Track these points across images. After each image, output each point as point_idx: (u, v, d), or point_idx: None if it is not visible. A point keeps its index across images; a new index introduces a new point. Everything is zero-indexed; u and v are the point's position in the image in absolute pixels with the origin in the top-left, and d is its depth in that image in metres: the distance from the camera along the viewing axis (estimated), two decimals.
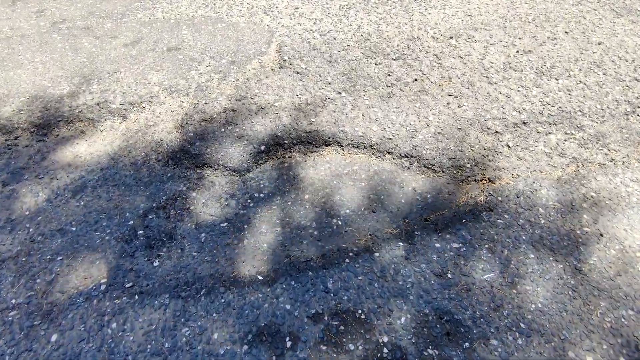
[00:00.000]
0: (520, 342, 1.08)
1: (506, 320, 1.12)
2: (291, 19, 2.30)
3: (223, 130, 1.63)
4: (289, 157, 1.59)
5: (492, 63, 2.01)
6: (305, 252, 1.27)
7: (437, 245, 1.30)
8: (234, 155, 1.55)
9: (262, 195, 1.45)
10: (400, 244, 1.30)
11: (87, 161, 1.56)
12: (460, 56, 2.05)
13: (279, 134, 1.62)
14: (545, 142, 1.66)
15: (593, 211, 1.40)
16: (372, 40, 2.16)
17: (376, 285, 1.18)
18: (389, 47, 2.11)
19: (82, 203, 1.41)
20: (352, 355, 1.04)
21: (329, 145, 1.62)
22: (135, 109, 1.76)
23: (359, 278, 1.20)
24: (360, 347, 1.05)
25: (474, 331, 1.09)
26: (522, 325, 1.11)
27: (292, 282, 1.18)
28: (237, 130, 1.64)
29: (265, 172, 1.52)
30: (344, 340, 1.07)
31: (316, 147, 1.62)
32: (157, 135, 1.64)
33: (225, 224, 1.35)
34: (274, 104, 1.75)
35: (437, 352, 1.05)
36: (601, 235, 1.33)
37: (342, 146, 1.62)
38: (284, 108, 1.73)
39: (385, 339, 1.07)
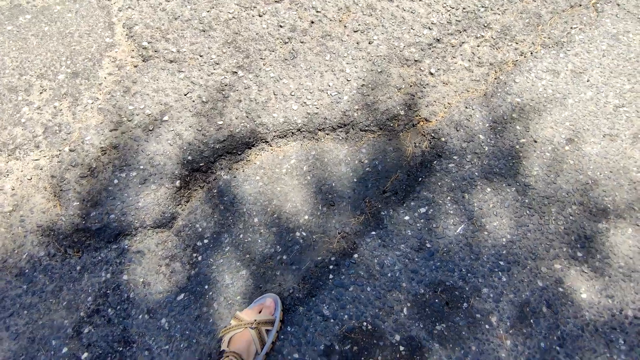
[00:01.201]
0: (504, 280, 1.17)
1: (488, 265, 1.18)
2: None
3: (116, 181, 1.26)
4: (214, 179, 1.32)
5: None
6: (284, 285, 1.15)
7: (406, 217, 1.26)
8: (147, 208, 1.23)
9: (205, 240, 1.22)
10: (373, 232, 1.23)
11: None
12: None
13: (189, 157, 1.30)
14: (461, 54, 1.59)
15: (523, 119, 1.44)
16: None
17: (369, 289, 1.14)
18: None
19: None
20: None
21: (253, 146, 1.37)
22: None
23: (350, 290, 1.14)
24: (380, 357, 1.05)
25: (467, 289, 1.15)
26: (501, 262, 1.19)
27: (288, 329, 1.08)
28: (134, 173, 1.28)
29: (196, 212, 1.26)
30: (362, 358, 1.05)
31: (239, 154, 1.35)
32: (28, 223, 1.22)
33: (182, 295, 1.14)
34: (162, 119, 1.37)
35: (444, 325, 1.10)
36: (535, 141, 1.40)
37: (267, 142, 1.38)
38: (177, 119, 1.37)
39: (398, 337, 1.08)
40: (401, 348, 1.07)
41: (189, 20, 1.57)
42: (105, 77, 1.45)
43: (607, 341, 1.08)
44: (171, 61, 1.48)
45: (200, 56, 1.49)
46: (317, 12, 1.64)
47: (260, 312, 1.07)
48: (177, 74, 1.45)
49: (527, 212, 1.27)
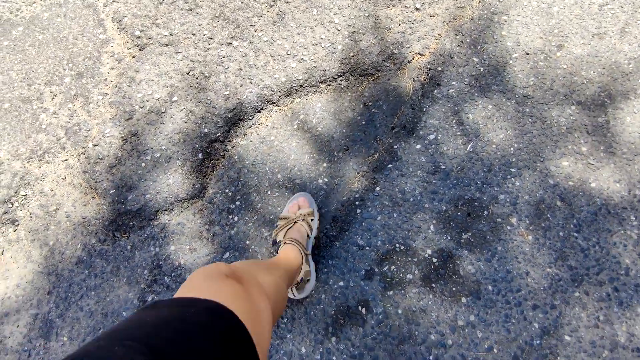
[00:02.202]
0: (518, 184, 1.25)
1: (500, 174, 1.27)
2: None
3: (143, 164, 1.35)
4: (233, 147, 1.40)
5: None
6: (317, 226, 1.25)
7: (418, 146, 1.33)
8: (178, 182, 1.32)
9: (237, 202, 1.31)
10: (389, 165, 1.32)
11: (16, 302, 1.24)
12: None
13: (205, 130, 1.38)
14: None
15: (512, 35, 1.49)
16: None
17: (395, 215, 1.24)
18: None
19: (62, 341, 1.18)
20: (415, 281, 1.15)
21: (262, 109, 1.43)
22: (15, 205, 1.34)
23: (379, 219, 1.24)
24: (416, 271, 1.16)
25: (484, 198, 1.24)
26: (512, 170, 1.27)
27: (330, 262, 1.19)
28: (158, 154, 1.36)
29: (223, 178, 1.35)
30: (401, 275, 1.16)
31: (250, 119, 1.42)
32: (74, 217, 1.31)
33: (227, 254, 1.24)
34: (172, 100, 1.43)
35: (470, 234, 1.20)
36: (527, 54, 1.45)
37: (274, 103, 1.44)
38: (184, 98, 1.43)
39: (429, 251, 1.18)
40: (434, 260, 1.17)
41: (174, 2, 1.60)
42: (108, 72, 1.50)
43: (620, 220, 1.18)
44: (166, 45, 1.52)
45: (193, 34, 1.54)
46: None
47: (299, 208, 1.22)
48: (175, 56, 1.50)
49: (530, 120, 1.34)
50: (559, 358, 1.04)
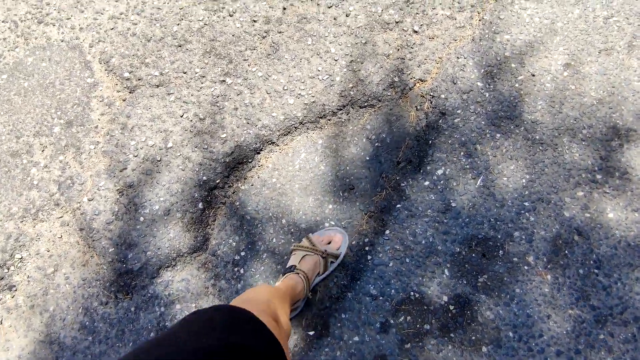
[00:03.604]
0: (532, 219, 1.21)
1: (514, 209, 1.22)
2: (82, 11, 1.62)
3: (141, 219, 1.29)
4: (234, 192, 1.34)
5: None
6: (327, 276, 1.21)
7: (426, 183, 1.28)
8: (179, 236, 1.27)
9: (242, 253, 1.26)
10: (398, 205, 1.27)
11: None
12: None
13: (203, 177, 1.32)
14: (440, 3, 1.55)
15: (516, 55, 1.43)
16: None
17: (407, 260, 1.19)
18: None
19: None
20: (433, 331, 1.10)
21: (261, 150, 1.38)
22: (11, 269, 1.29)
23: (391, 265, 1.19)
24: (433, 321, 1.12)
25: (499, 236, 1.19)
26: (525, 204, 1.23)
27: (343, 315, 1.14)
28: (156, 207, 1.30)
29: (226, 228, 1.30)
30: (418, 325, 1.12)
31: (250, 161, 1.37)
32: (73, 279, 1.26)
33: None
34: (167, 146, 1.37)
35: (486, 276, 1.15)
36: (533, 75, 1.40)
37: (274, 143, 1.38)
38: (180, 143, 1.37)
39: (445, 298, 1.14)
40: (451, 307, 1.13)
41: (162, 38, 1.53)
42: (99, 119, 1.44)
43: None
44: (157, 85, 1.46)
45: (185, 73, 1.47)
46: None
47: (329, 243, 1.20)
48: (167, 97, 1.44)
49: (540, 148, 1.29)
50: None
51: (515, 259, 1.16)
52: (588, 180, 1.23)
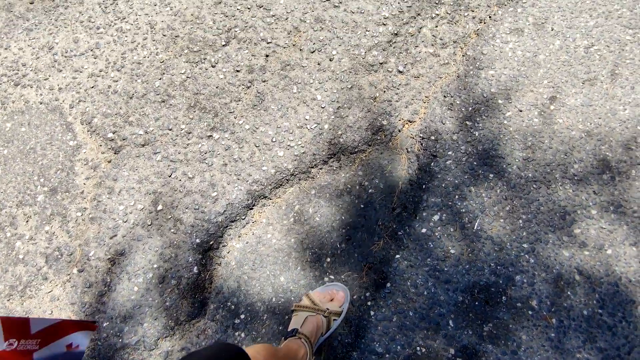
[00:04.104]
0: (532, 261, 1.20)
1: (513, 252, 1.21)
2: (61, 71, 1.59)
3: (135, 288, 1.25)
4: (229, 252, 1.31)
5: None
6: (331, 334, 1.18)
7: (423, 230, 1.27)
8: (175, 304, 1.23)
9: (242, 316, 1.23)
10: (397, 256, 1.25)
11: None
12: None
13: (196, 240, 1.29)
14: (423, 41, 1.56)
15: (502, 91, 1.43)
16: (181, 34, 1.62)
17: (411, 313, 1.17)
18: (207, 31, 1.61)
19: None
20: None
21: (254, 205, 1.35)
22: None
23: (394, 320, 1.17)
24: None
25: (500, 282, 1.18)
26: (524, 245, 1.22)
27: None
28: (150, 275, 1.26)
29: (223, 290, 1.26)
30: None
31: (243, 218, 1.34)
32: None
33: None
34: (157, 209, 1.34)
35: (491, 325, 1.14)
36: (520, 111, 1.40)
37: (266, 197, 1.36)
38: (170, 205, 1.34)
39: (452, 350, 1.12)
40: None
41: (145, 94, 1.51)
42: (84, 184, 1.40)
43: None
44: (143, 145, 1.43)
45: (170, 130, 1.44)
46: (267, 43, 1.58)
47: (331, 300, 1.18)
48: (154, 157, 1.41)
49: (534, 186, 1.29)
50: None
51: (519, 304, 1.15)
52: (584, 216, 1.23)
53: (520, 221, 1.25)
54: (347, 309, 1.19)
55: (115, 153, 1.43)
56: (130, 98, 1.50)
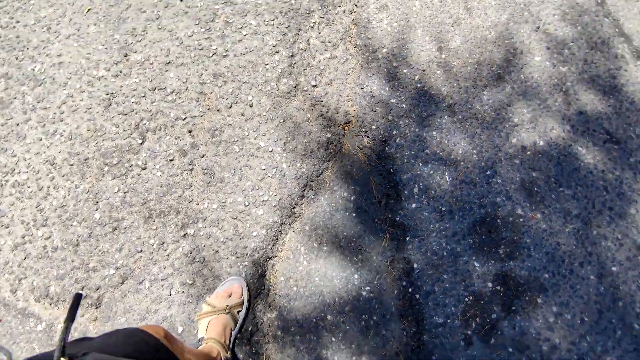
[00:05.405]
0: (499, 180, 1.42)
1: (484, 181, 1.42)
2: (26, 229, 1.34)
3: None
4: (269, 327, 1.30)
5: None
6: (394, 340, 1.27)
7: (414, 205, 1.41)
8: None
9: None
10: (407, 238, 1.37)
11: None
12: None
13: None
14: (316, 50, 1.66)
15: (401, 61, 1.61)
16: (89, 154, 1.48)
17: (445, 276, 1.31)
18: (115, 139, 1.50)
19: None
20: (500, 315, 1.25)
21: (265, 271, 1.35)
22: None
23: (437, 290, 1.30)
24: (495, 307, 1.26)
25: (489, 210, 1.38)
26: (488, 172, 1.43)
27: (433, 358, 1.23)
28: None
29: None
30: (487, 319, 1.25)
31: (263, 289, 1.33)
32: None
33: None
34: (177, 333, 1.26)
35: (502, 246, 1.34)
36: (424, 71, 1.60)
37: (271, 257, 1.36)
38: (188, 318, 1.27)
39: (489, 284, 1.30)
40: (497, 287, 1.29)
41: (91, 234, 1.36)
42: None
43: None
44: (122, 282, 1.31)
45: (140, 252, 1.34)
46: (183, 119, 1.53)
47: (230, 295, 1.20)
48: (141, 287, 1.30)
49: (468, 123, 1.51)
50: None
51: (510, 219, 1.37)
52: (511, 126, 1.49)
53: (475, 153, 1.46)
54: (248, 297, 1.25)
55: (96, 308, 1.29)
56: (77, 245, 1.35)
